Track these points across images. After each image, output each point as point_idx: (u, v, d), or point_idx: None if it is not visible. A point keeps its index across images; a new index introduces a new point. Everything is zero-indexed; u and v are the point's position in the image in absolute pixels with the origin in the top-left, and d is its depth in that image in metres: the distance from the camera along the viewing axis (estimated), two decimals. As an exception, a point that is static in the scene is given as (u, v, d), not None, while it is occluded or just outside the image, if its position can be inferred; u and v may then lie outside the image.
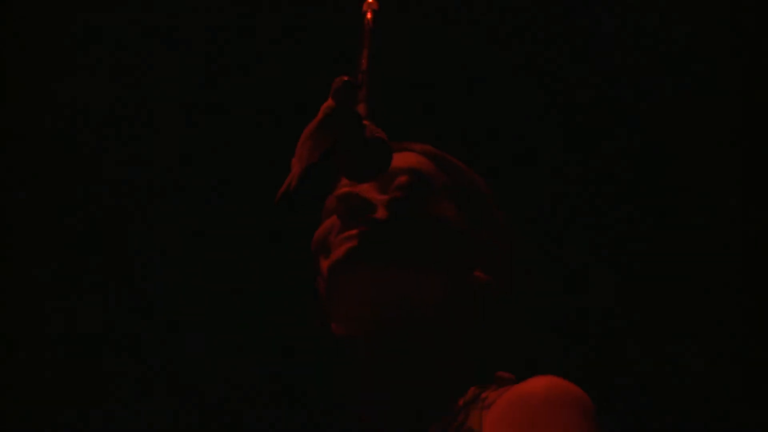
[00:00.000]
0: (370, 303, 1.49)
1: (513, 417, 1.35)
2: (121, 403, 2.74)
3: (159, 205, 2.79)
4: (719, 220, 2.64)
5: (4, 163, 2.76)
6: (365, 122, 1.43)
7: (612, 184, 2.70)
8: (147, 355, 2.76)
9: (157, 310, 2.76)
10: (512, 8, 2.74)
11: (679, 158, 2.68)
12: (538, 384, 1.37)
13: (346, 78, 1.43)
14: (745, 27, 2.64)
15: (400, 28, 2.61)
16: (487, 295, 1.54)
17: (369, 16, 1.57)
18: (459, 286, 1.53)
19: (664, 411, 2.55)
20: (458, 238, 1.55)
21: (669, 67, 2.70)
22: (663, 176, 2.69)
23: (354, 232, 1.49)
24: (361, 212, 1.51)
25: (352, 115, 1.42)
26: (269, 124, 2.69)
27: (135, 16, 2.78)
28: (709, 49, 2.66)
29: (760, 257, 2.60)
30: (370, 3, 1.58)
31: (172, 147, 2.80)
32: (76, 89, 2.79)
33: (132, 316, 2.77)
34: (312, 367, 2.60)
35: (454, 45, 2.74)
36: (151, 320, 2.77)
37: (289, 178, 1.40)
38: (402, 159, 1.58)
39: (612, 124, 2.72)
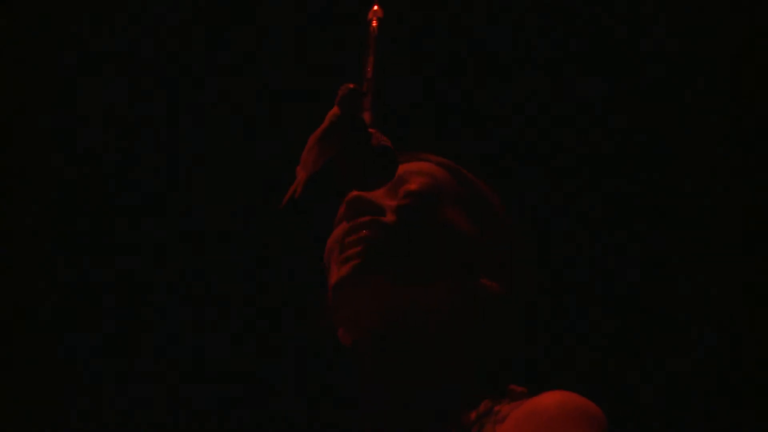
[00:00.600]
0: (376, 313, 1.49)
1: None
2: (121, 402, 2.75)
3: (161, 208, 2.80)
4: (719, 219, 2.64)
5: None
6: (371, 130, 1.43)
7: (617, 185, 2.70)
8: (148, 356, 2.77)
9: (162, 311, 2.77)
10: (515, 11, 2.74)
11: (681, 158, 2.69)
12: (552, 399, 1.37)
13: (351, 86, 1.44)
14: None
15: (405, 36, 2.62)
16: (495, 302, 1.54)
17: (374, 24, 1.57)
18: (466, 293, 1.53)
19: (671, 416, 2.55)
20: (467, 246, 1.55)
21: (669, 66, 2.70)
22: (666, 175, 2.69)
23: (358, 249, 1.49)
24: (369, 215, 1.51)
25: (358, 122, 1.43)
26: (274, 130, 2.69)
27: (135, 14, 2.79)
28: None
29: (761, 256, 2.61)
30: (375, 11, 1.58)
31: (178, 151, 2.80)
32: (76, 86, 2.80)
33: (134, 318, 2.78)
34: (317, 369, 2.60)
35: (459, 51, 2.74)
36: (153, 322, 2.78)
37: (294, 185, 1.41)
38: (415, 166, 1.58)
39: (619, 125, 2.72)
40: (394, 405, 1.49)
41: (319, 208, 1.53)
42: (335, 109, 1.43)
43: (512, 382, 1.48)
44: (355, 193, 1.53)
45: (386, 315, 1.49)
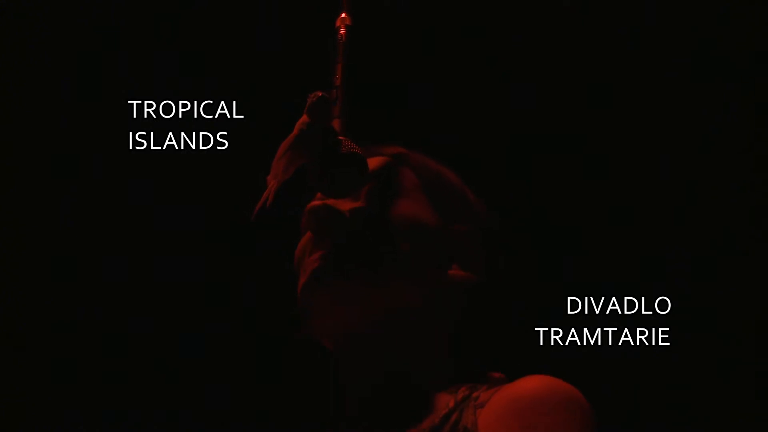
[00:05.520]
0: (344, 318, 1.49)
1: (508, 419, 1.35)
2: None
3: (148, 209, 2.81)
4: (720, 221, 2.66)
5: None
6: (340, 137, 1.44)
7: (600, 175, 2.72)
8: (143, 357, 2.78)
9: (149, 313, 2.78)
10: (485, 16, 2.75)
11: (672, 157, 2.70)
12: (534, 385, 1.37)
13: (320, 94, 1.44)
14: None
15: (373, 44, 2.62)
16: (467, 291, 1.54)
17: (342, 32, 1.58)
18: (436, 286, 1.53)
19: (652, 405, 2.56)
20: (431, 237, 1.55)
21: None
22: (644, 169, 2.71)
23: (317, 254, 1.50)
24: (330, 224, 1.52)
25: (327, 130, 1.43)
26: (245, 140, 2.69)
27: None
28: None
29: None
30: (344, 18, 1.59)
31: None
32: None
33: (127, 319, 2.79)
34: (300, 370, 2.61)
35: (428, 59, 2.75)
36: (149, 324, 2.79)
37: (264, 194, 1.41)
38: (370, 163, 1.58)
39: (599, 125, 2.73)
40: (372, 399, 1.50)
41: (291, 216, 1.54)
42: (304, 117, 1.44)
43: (491, 367, 1.49)
44: (313, 203, 1.53)
45: (353, 320, 1.49)
